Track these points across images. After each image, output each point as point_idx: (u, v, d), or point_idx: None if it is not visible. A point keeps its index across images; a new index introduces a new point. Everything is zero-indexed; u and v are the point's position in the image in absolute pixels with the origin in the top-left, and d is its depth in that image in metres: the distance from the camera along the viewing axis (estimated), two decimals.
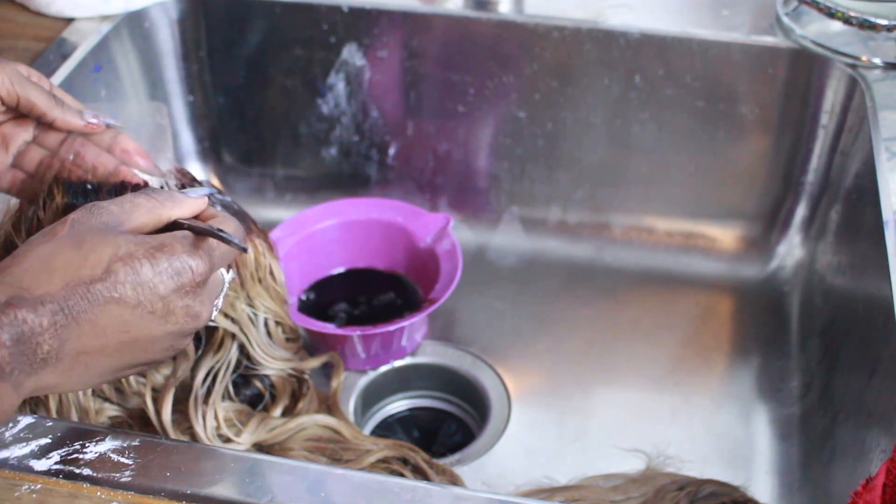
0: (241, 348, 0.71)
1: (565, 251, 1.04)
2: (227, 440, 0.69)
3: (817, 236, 0.96)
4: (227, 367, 0.70)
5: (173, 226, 0.53)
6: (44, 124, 0.63)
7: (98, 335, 0.48)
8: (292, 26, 0.99)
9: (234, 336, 0.69)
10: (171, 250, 0.50)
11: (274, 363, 0.73)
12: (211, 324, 0.67)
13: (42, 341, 0.46)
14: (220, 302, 0.55)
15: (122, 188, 0.62)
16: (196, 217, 0.55)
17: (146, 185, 0.63)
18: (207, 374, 0.69)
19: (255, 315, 0.71)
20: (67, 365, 0.47)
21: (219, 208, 0.64)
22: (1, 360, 0.44)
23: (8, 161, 0.62)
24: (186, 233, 0.52)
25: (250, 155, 1.07)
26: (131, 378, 0.68)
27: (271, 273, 0.73)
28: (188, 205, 0.54)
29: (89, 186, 0.62)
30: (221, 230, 0.52)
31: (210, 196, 0.58)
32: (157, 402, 0.68)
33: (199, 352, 0.69)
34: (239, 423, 0.71)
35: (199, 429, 0.68)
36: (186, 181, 0.67)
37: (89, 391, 0.67)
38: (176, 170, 0.67)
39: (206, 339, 0.69)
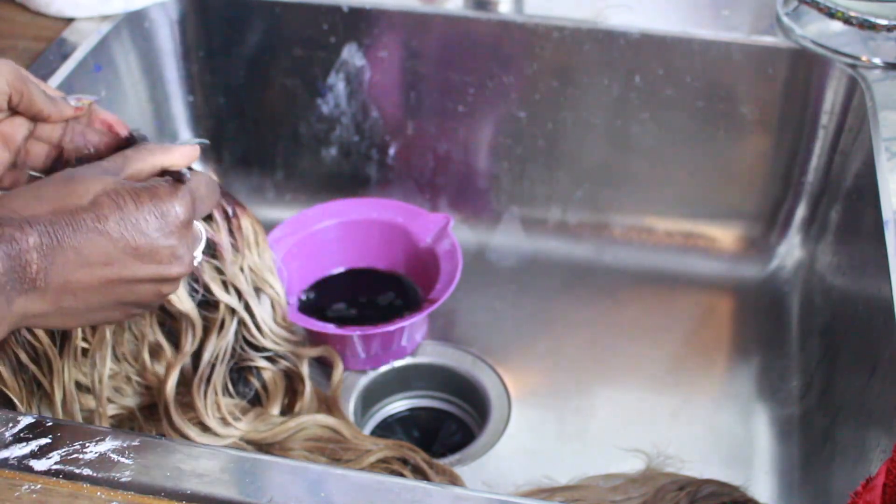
0: (237, 333, 0.71)
1: (565, 251, 1.04)
2: (227, 424, 0.70)
3: (817, 236, 0.96)
4: (227, 349, 0.70)
5: (164, 172, 0.56)
6: (38, 120, 0.63)
7: (82, 265, 0.50)
8: (292, 26, 0.99)
9: (234, 312, 0.70)
10: (154, 192, 0.52)
11: (274, 340, 0.73)
12: (210, 297, 0.68)
13: (30, 259, 0.48)
14: (199, 254, 0.57)
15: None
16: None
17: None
18: (212, 356, 0.69)
19: (259, 290, 0.72)
20: (56, 294, 0.50)
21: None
22: None
23: (9, 159, 0.62)
24: (169, 178, 0.54)
25: (250, 155, 1.07)
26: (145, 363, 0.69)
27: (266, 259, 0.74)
28: (179, 152, 0.57)
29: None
30: (187, 174, 0.55)
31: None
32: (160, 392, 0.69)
33: (202, 332, 0.69)
34: (238, 415, 0.71)
35: (200, 405, 0.68)
36: None
37: (89, 388, 0.67)
38: None
39: (209, 318, 0.69)
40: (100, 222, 0.50)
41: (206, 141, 0.62)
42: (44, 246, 0.48)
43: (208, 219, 0.67)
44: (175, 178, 0.54)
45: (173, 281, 0.55)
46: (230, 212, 0.68)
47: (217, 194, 0.59)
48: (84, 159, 0.63)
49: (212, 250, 0.68)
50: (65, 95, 0.64)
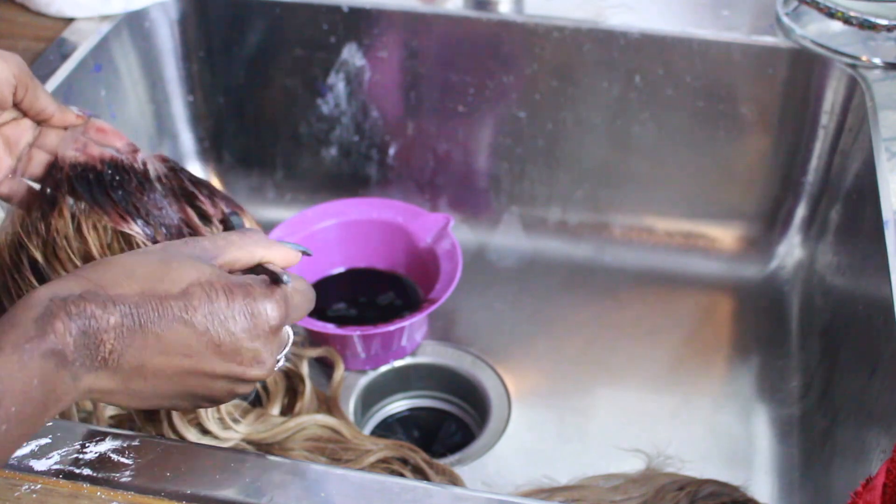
0: None
1: (565, 251, 1.04)
2: (227, 427, 0.70)
3: (817, 236, 0.96)
4: None
5: (259, 267, 0.54)
6: (41, 120, 0.63)
7: (161, 351, 0.48)
8: (292, 26, 0.99)
9: None
10: (249, 291, 0.50)
11: None
12: None
13: (106, 339, 0.46)
14: (282, 358, 0.55)
15: (123, 171, 0.63)
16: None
17: (145, 168, 0.64)
18: None
19: None
20: (127, 375, 0.48)
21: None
22: (65, 347, 0.45)
23: (12, 164, 0.62)
24: (266, 277, 0.52)
25: (250, 155, 1.07)
26: None
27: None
28: (281, 251, 0.55)
29: (91, 176, 0.62)
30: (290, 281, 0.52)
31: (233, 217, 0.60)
32: None
33: None
34: (238, 417, 0.71)
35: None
36: (167, 166, 0.67)
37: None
38: (157, 157, 0.67)
39: None
40: (187, 313, 0.48)
41: (311, 252, 0.60)
42: (124, 328, 0.47)
43: (207, 221, 0.67)
44: (272, 279, 0.52)
45: (250, 383, 0.53)
46: (228, 214, 0.68)
47: (312, 301, 0.56)
48: (79, 167, 0.62)
49: None
50: (77, 107, 0.65)
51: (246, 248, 0.53)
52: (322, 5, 0.97)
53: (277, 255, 0.54)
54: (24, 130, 0.62)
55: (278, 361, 0.54)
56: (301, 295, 0.54)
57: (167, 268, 0.49)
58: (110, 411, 0.69)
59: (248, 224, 0.69)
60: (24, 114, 0.62)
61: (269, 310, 0.50)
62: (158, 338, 0.48)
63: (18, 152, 0.62)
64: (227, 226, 0.64)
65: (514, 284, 1.00)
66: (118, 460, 0.53)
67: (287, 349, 0.55)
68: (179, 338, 0.48)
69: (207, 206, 0.66)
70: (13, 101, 0.61)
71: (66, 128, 0.63)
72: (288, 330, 0.54)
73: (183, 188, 0.64)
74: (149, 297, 0.48)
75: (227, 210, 0.68)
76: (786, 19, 0.93)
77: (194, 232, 0.65)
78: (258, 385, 0.74)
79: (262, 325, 0.50)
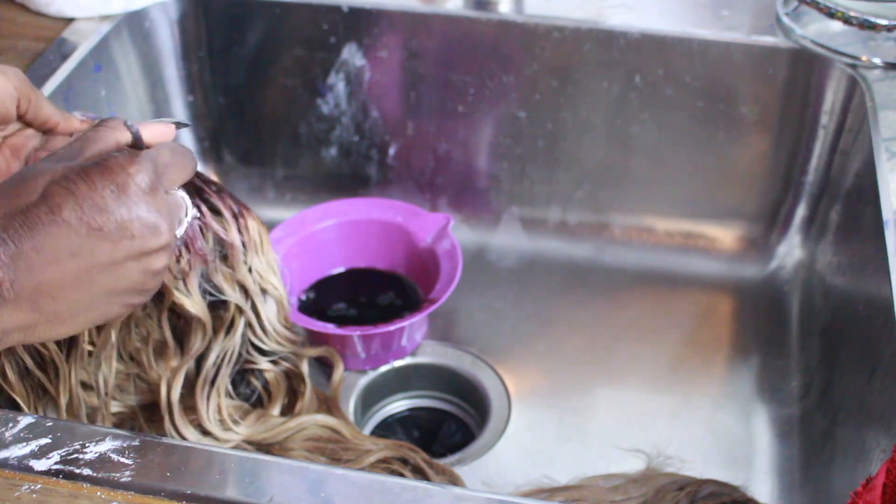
0: (243, 335, 0.71)
1: (565, 251, 1.04)
2: (227, 428, 0.70)
3: (817, 236, 0.96)
4: (234, 351, 0.70)
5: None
6: (46, 129, 0.63)
7: (48, 262, 0.46)
8: (292, 26, 0.99)
9: (241, 312, 0.69)
10: (104, 165, 0.48)
11: (278, 341, 0.73)
12: (222, 297, 0.68)
13: None
14: (185, 224, 0.53)
15: None
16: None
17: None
18: (217, 357, 0.69)
19: (264, 292, 0.71)
20: (31, 300, 0.46)
21: None
22: None
23: (21, 167, 0.62)
24: (125, 149, 0.50)
25: (250, 155, 1.07)
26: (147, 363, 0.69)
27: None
28: (149, 129, 0.53)
29: None
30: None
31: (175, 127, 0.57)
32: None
33: (211, 332, 0.69)
34: (238, 418, 0.71)
35: (202, 407, 0.68)
36: None
37: (92, 386, 0.67)
38: None
39: (217, 319, 0.69)
40: (53, 213, 0.46)
41: (187, 123, 0.57)
42: (1, 255, 0.45)
43: (218, 214, 0.67)
44: (132, 146, 0.50)
45: (157, 253, 0.50)
46: (236, 210, 0.68)
47: (191, 160, 0.54)
48: None
49: (223, 250, 0.67)
50: (79, 112, 0.65)
51: (106, 139, 0.51)
52: (322, 5, 0.97)
53: (147, 133, 0.52)
54: (30, 138, 0.63)
55: (181, 224, 0.52)
56: (169, 151, 0.52)
57: (21, 182, 0.48)
58: (114, 408, 0.69)
59: (251, 223, 0.70)
60: (29, 125, 0.62)
61: (134, 173, 0.48)
62: (38, 250, 0.46)
63: (24, 156, 0.62)
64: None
65: (514, 284, 1.00)
66: (118, 460, 0.53)
67: (188, 212, 0.53)
68: (59, 241, 0.46)
69: (216, 200, 0.67)
70: (17, 113, 0.61)
71: (71, 134, 0.64)
72: (180, 193, 0.53)
73: (191, 182, 0.65)
74: (11, 217, 0.46)
75: (234, 207, 0.68)
76: (786, 19, 0.93)
77: (205, 225, 0.65)
78: (258, 384, 0.74)
79: (133, 191, 0.48)
